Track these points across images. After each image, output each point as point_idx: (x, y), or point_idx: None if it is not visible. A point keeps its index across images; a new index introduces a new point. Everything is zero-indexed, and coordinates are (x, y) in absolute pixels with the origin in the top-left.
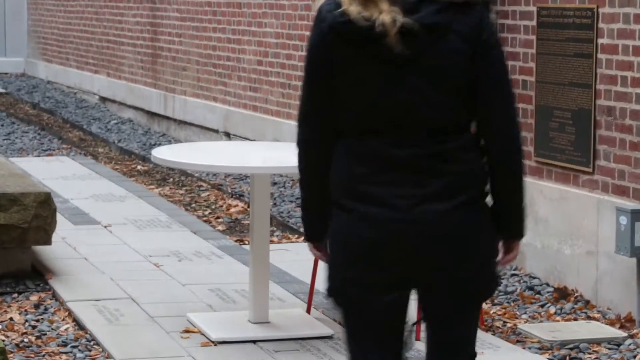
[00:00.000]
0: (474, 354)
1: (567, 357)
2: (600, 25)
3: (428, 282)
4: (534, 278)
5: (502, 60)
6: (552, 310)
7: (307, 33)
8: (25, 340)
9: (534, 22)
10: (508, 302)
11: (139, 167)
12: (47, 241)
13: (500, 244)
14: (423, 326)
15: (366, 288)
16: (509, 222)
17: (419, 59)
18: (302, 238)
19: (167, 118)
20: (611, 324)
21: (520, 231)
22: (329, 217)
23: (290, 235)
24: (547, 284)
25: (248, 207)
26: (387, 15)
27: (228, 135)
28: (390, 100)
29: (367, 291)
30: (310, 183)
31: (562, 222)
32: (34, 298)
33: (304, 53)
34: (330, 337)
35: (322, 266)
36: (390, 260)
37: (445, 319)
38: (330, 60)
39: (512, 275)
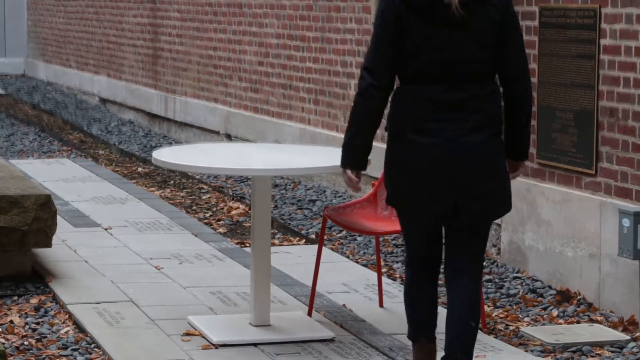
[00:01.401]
0: (483, 267)
1: None
2: (603, 25)
3: (466, 194)
4: (537, 281)
5: (519, 26)
6: (555, 313)
7: (309, 34)
8: (26, 343)
9: (536, 23)
10: (510, 305)
11: (139, 169)
12: (48, 244)
13: (508, 165)
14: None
15: (420, 198)
16: (521, 148)
17: (468, 24)
18: (304, 240)
19: (168, 119)
20: (614, 326)
21: (527, 154)
22: (370, 151)
23: (291, 238)
24: (550, 287)
25: (249, 209)
26: None
27: (229, 137)
28: (446, 55)
29: (421, 200)
30: (367, 122)
31: (564, 225)
32: (34, 301)
33: (305, 54)
34: (331, 340)
35: (323, 268)
36: (440, 177)
37: (470, 226)
38: (399, 25)
39: (515, 277)
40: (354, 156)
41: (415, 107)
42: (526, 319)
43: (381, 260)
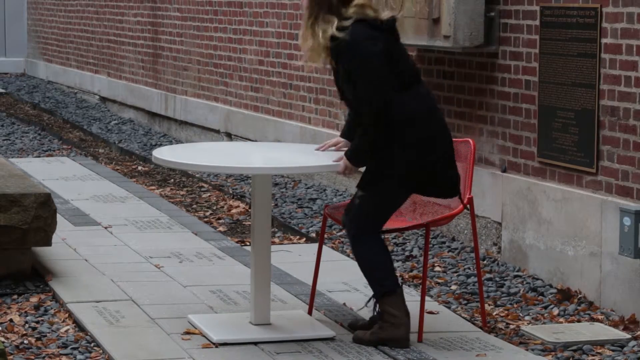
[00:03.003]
0: None
1: (571, 359)
2: (604, 24)
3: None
4: (537, 279)
5: None
6: (556, 311)
7: None
8: (25, 342)
9: (537, 22)
10: (511, 304)
11: (139, 167)
12: (47, 242)
13: None
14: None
15: (430, 168)
16: None
17: None
18: (304, 239)
19: (168, 118)
20: (615, 325)
21: None
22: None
23: (291, 237)
24: (550, 285)
25: (249, 208)
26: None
27: (229, 136)
28: (410, 61)
29: (443, 169)
30: (379, 125)
31: (565, 223)
32: (34, 299)
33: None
34: (331, 339)
35: (323, 267)
36: (441, 153)
37: None
38: (390, 49)
39: (515, 276)
40: (367, 157)
41: (417, 100)
42: (527, 317)
43: None
